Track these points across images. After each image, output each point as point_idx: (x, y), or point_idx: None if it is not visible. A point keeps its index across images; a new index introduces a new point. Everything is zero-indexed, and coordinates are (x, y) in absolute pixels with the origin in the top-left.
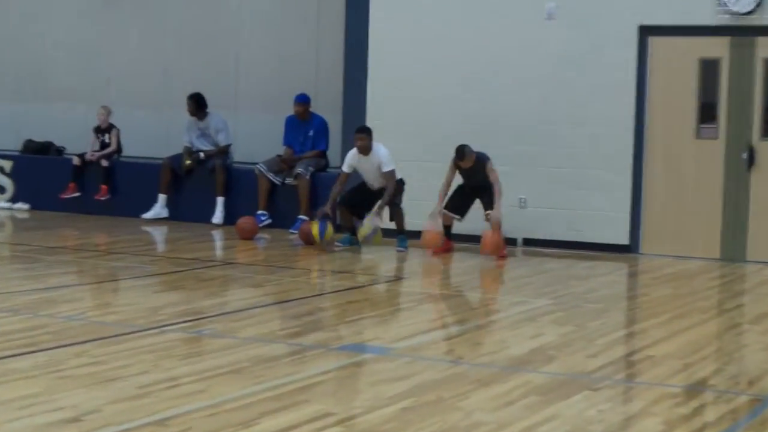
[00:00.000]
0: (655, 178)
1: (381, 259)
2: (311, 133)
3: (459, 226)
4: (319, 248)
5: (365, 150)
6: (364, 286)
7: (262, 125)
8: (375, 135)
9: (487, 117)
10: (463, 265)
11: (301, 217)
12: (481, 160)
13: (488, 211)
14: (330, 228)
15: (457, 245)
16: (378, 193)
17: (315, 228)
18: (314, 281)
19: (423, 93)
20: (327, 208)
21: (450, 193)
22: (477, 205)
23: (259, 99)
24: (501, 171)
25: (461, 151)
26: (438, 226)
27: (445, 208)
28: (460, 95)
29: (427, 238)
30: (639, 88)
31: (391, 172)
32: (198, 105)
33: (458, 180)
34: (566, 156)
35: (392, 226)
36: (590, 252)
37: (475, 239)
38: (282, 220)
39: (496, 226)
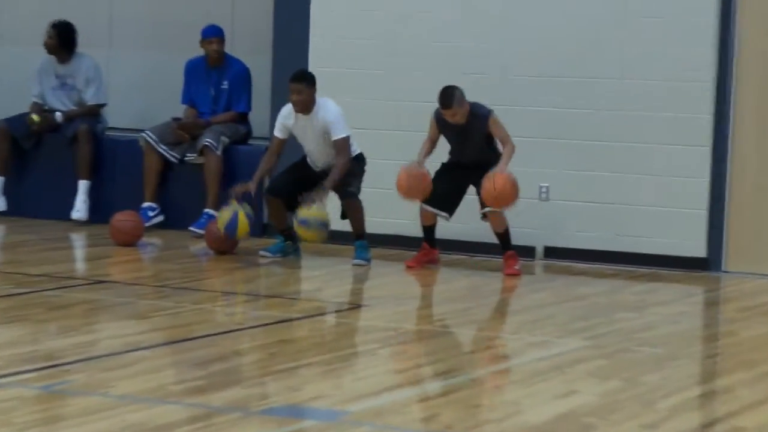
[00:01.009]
0: (745, 162)
1: (330, 276)
2: (225, 85)
3: (445, 229)
4: (237, 258)
5: (304, 106)
6: (303, 319)
7: (149, 73)
8: (321, 87)
9: (492, 66)
10: (453, 285)
11: (208, 211)
12: (479, 113)
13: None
14: (244, 219)
15: (444, 256)
16: (323, 177)
17: (223, 216)
18: (228, 310)
19: (396, 26)
20: (250, 185)
21: (433, 176)
22: (469, 196)
23: (144, 34)
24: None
25: (447, 96)
26: (419, 168)
27: (426, 201)
28: (451, 28)
29: (407, 181)
30: (723, 32)
31: (343, 141)
32: (64, 40)
33: (443, 150)
34: (611, 123)
35: (345, 226)
36: (647, 268)
37: (470, 247)
38: (180, 216)
39: (503, 175)
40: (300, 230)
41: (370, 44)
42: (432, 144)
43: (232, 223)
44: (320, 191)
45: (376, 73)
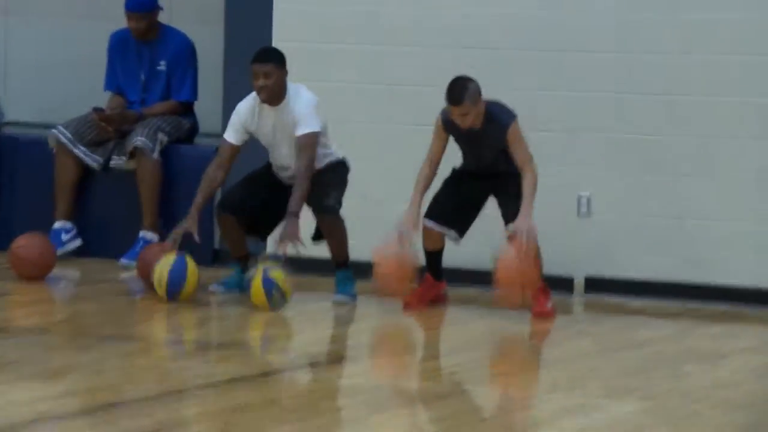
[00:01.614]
0: None
1: (302, 318)
2: (162, 66)
3: (455, 254)
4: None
5: (273, 94)
6: (267, 376)
7: (60, 50)
8: (293, 70)
9: (510, 37)
10: (465, 329)
11: (143, 235)
12: (498, 117)
13: (510, 224)
14: (192, 266)
15: (453, 291)
16: (291, 188)
17: (165, 263)
18: (166, 365)
19: None
20: (189, 222)
21: (442, 184)
22: (490, 210)
23: None
24: (536, 142)
25: (458, 89)
26: (409, 248)
27: (430, 215)
28: None
29: (385, 273)
30: None
31: (309, 138)
32: None
33: (453, 154)
34: (675, 111)
35: (322, 252)
36: (724, 305)
37: (487, 278)
38: (104, 240)
39: (526, 243)
40: (256, 288)
41: (351, 12)
42: (433, 168)
43: (177, 271)
44: (289, 225)
45: (358, 49)
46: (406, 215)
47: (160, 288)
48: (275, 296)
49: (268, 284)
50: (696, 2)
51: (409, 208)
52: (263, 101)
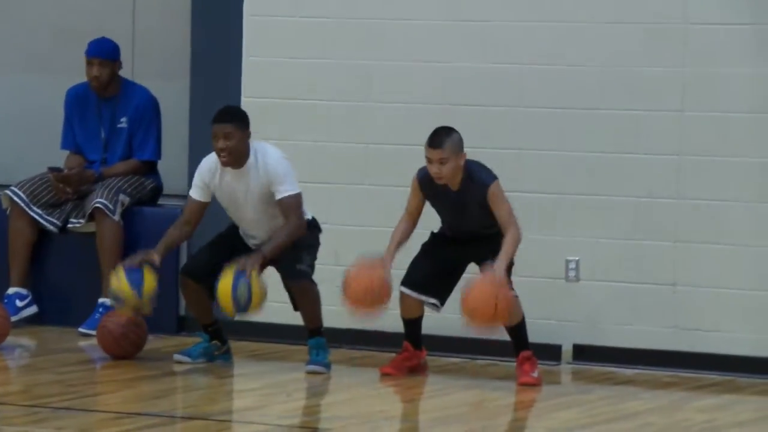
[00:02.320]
0: None
1: (274, 389)
2: (123, 123)
3: (435, 321)
4: (144, 366)
5: (234, 157)
6: None
7: (16, 105)
8: (260, 125)
9: (498, 93)
10: (447, 400)
11: (103, 301)
12: (478, 178)
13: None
14: (150, 278)
15: (433, 360)
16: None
17: (123, 283)
18: None
19: (364, 40)
20: (154, 254)
21: (420, 249)
22: (472, 276)
23: (10, 48)
24: (523, 203)
25: (439, 134)
26: (375, 274)
27: (407, 282)
28: (440, 42)
29: (354, 288)
30: None
31: (294, 200)
32: None
33: (433, 217)
34: (667, 171)
35: (295, 319)
36: (719, 374)
37: (469, 346)
38: (61, 307)
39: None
40: (225, 281)
41: (326, 66)
42: (412, 221)
43: (135, 280)
44: (253, 256)
45: (335, 105)
46: (385, 253)
47: (125, 287)
48: (241, 290)
49: (239, 277)
50: (698, 58)
51: (383, 257)
52: (224, 164)
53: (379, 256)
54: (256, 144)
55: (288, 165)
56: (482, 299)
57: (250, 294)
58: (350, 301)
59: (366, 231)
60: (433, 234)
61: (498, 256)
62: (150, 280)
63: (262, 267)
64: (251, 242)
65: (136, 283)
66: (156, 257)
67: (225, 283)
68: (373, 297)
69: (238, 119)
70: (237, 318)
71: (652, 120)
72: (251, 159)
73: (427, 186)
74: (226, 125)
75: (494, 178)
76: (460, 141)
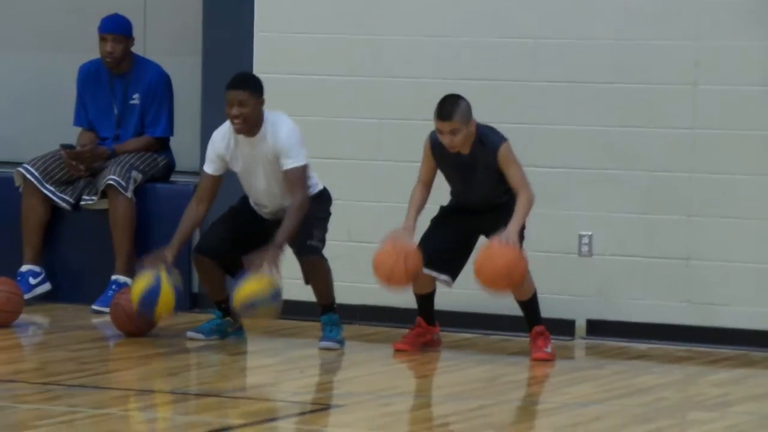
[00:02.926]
0: None
1: (286, 366)
2: (136, 99)
3: (448, 296)
4: (157, 343)
5: (248, 124)
6: (250, 426)
7: (28, 82)
8: (271, 100)
9: (508, 67)
10: (460, 376)
11: (116, 278)
12: (488, 141)
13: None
14: (169, 290)
15: (446, 335)
16: (276, 225)
17: (138, 287)
18: (144, 416)
19: (373, 15)
20: (167, 253)
21: (429, 224)
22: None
23: (21, 26)
24: (535, 178)
25: (447, 105)
26: (403, 253)
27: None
28: (448, 16)
29: (385, 267)
30: None
31: (298, 172)
32: None
33: (441, 189)
34: (680, 145)
35: (308, 295)
36: (733, 349)
37: (482, 321)
38: (74, 284)
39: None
40: (248, 315)
41: (337, 41)
42: (426, 189)
43: (151, 294)
44: (271, 251)
45: (346, 80)
46: (403, 226)
47: (137, 294)
48: (264, 304)
49: (252, 307)
50: (710, 31)
51: (403, 226)
52: (237, 132)
53: (400, 230)
54: (269, 113)
55: (297, 136)
56: (493, 265)
57: (265, 299)
58: (383, 278)
59: (379, 207)
60: (442, 208)
61: (511, 219)
62: (165, 298)
63: (279, 248)
64: (263, 211)
65: (148, 304)
66: (169, 255)
67: (244, 294)
68: (406, 273)
69: (253, 86)
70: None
71: (666, 94)
72: (263, 128)
73: (437, 150)
74: (240, 92)
75: (504, 139)
76: (469, 108)
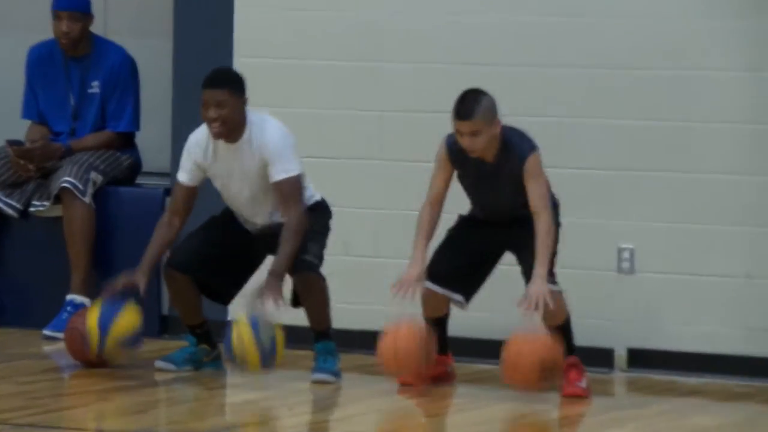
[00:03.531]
0: None
1: (273, 401)
2: (95, 87)
3: (463, 321)
4: (120, 374)
5: (228, 129)
6: None
7: None
8: (255, 93)
9: (531, 53)
10: (477, 415)
11: (72, 298)
12: (515, 146)
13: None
14: (131, 319)
15: (461, 366)
16: (265, 241)
17: (93, 317)
18: None
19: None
20: (137, 276)
21: (445, 235)
22: (507, 267)
23: None
24: (566, 182)
25: (468, 101)
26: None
27: (430, 276)
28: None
29: (397, 353)
30: None
31: (292, 183)
32: None
33: (457, 196)
34: (739, 145)
35: (298, 318)
36: None
37: (498, 350)
38: (22, 305)
39: (543, 312)
40: (241, 329)
41: (331, 20)
42: (436, 209)
43: (106, 317)
44: (269, 281)
45: (342, 66)
46: (408, 270)
47: (93, 329)
48: (264, 334)
49: (256, 321)
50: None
51: (412, 262)
52: (216, 137)
53: (407, 315)
54: (253, 115)
55: (288, 141)
56: (520, 372)
57: (274, 338)
58: (391, 369)
59: (380, 215)
60: (461, 217)
61: (534, 269)
62: (126, 322)
63: (276, 278)
64: (249, 224)
65: (104, 323)
66: (141, 280)
67: (242, 330)
68: (417, 363)
69: (233, 84)
70: (261, 372)
71: (721, 82)
72: (247, 131)
73: (457, 156)
74: (218, 91)
75: (534, 148)
76: (493, 106)
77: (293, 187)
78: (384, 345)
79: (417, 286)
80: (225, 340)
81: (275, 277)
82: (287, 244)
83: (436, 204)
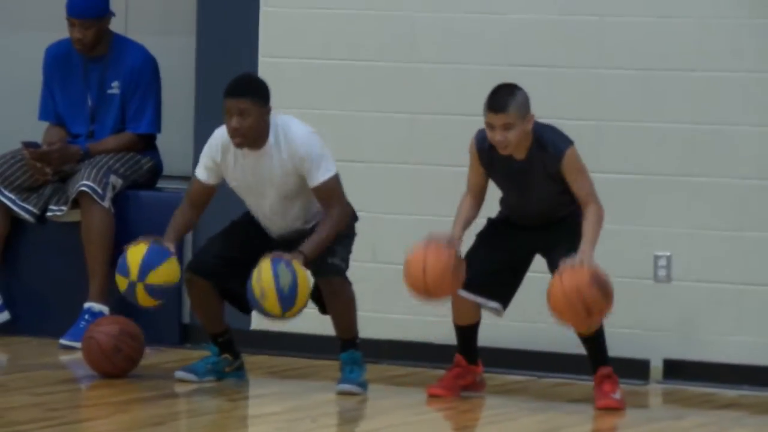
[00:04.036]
0: None
1: (298, 413)
2: (114, 88)
3: (494, 330)
4: (139, 385)
5: (251, 137)
6: None
7: None
8: (279, 94)
9: (566, 53)
10: (508, 428)
11: (89, 306)
12: (550, 142)
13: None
14: (172, 271)
15: (491, 377)
16: (287, 246)
17: (136, 256)
18: None
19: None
20: (166, 243)
21: (475, 240)
22: (539, 273)
23: None
24: (600, 187)
25: (502, 95)
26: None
27: (462, 283)
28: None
29: (425, 272)
30: None
31: (332, 184)
32: None
33: (491, 199)
34: None
35: (324, 327)
36: None
37: (535, 360)
38: (37, 313)
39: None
40: (264, 266)
41: (361, 18)
42: (476, 199)
43: (151, 260)
44: (293, 254)
45: (373, 67)
46: (451, 235)
47: (135, 264)
48: (284, 277)
49: (277, 263)
50: None
51: (452, 230)
52: (238, 146)
53: (443, 237)
54: (277, 118)
55: (319, 142)
56: (567, 303)
57: (296, 281)
58: (418, 288)
59: (410, 221)
60: (490, 221)
61: (582, 241)
62: (168, 271)
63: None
64: (272, 229)
65: (146, 265)
66: (169, 246)
67: (263, 270)
68: (447, 275)
69: (257, 92)
70: (281, 320)
71: (763, 84)
72: (272, 138)
73: (485, 154)
74: (241, 100)
75: (570, 142)
76: (527, 101)
77: (334, 187)
78: (411, 261)
79: (446, 244)
80: (247, 282)
81: (299, 254)
82: (323, 230)
83: (476, 194)
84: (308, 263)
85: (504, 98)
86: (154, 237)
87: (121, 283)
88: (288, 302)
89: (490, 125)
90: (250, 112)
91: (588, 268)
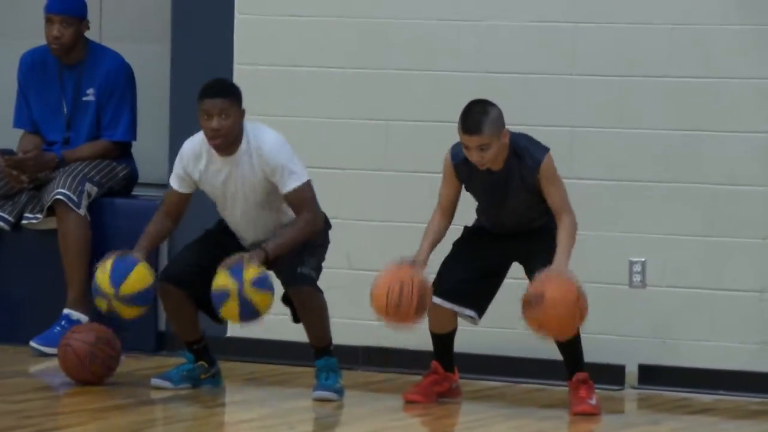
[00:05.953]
0: None
1: (273, 420)
2: (90, 95)
3: (470, 336)
4: (114, 392)
5: (227, 141)
6: None
7: None
8: (253, 102)
9: (545, 60)
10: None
11: (67, 313)
12: (526, 151)
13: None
14: (140, 275)
15: (467, 383)
16: None
17: (104, 274)
18: None
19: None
20: (135, 254)
21: (452, 248)
22: (517, 279)
23: None
24: (575, 193)
25: (475, 114)
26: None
27: (437, 290)
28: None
29: (383, 295)
30: None
31: (304, 190)
32: None
33: (464, 211)
34: (752, 157)
35: (298, 334)
36: None
37: (510, 366)
38: (15, 319)
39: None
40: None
41: (336, 25)
42: (446, 217)
43: (118, 273)
44: (253, 253)
45: (347, 74)
46: (416, 256)
47: (104, 279)
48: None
49: (235, 272)
50: None
51: (418, 253)
52: (217, 149)
53: (409, 260)
54: (247, 125)
55: (289, 149)
56: (565, 307)
57: (251, 298)
58: (381, 311)
59: (384, 228)
60: (467, 229)
61: (557, 250)
62: (138, 278)
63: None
64: (247, 238)
65: (118, 272)
66: (136, 255)
67: (221, 280)
68: (412, 302)
69: (235, 93)
70: (242, 326)
71: (733, 90)
72: (244, 144)
73: (461, 170)
74: (220, 100)
75: (546, 150)
76: (500, 117)
77: (306, 194)
78: (375, 294)
79: (414, 271)
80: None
81: (261, 251)
82: (289, 231)
83: (446, 211)
84: (269, 261)
85: (478, 119)
86: (118, 251)
87: (101, 303)
88: (249, 313)
89: (466, 146)
90: (229, 113)
91: (567, 276)
